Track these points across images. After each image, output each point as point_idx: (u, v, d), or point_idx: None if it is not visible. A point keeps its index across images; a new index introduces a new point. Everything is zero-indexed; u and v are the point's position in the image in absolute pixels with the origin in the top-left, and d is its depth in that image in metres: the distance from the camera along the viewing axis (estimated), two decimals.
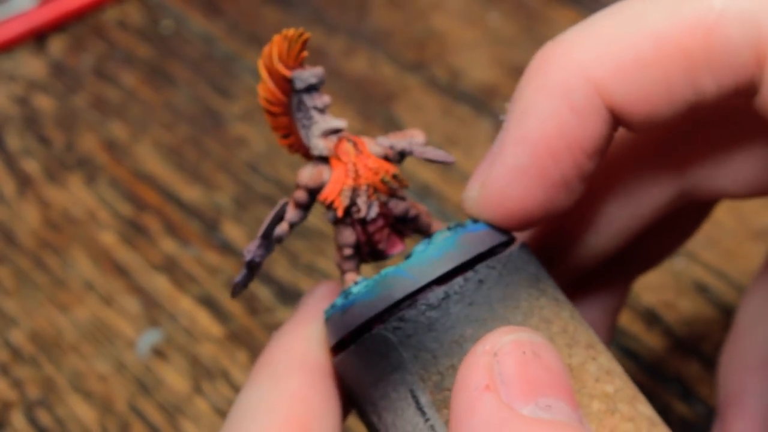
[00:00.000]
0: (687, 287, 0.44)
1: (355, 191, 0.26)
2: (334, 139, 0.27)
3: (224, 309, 0.46)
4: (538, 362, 0.23)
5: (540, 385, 0.23)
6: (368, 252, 0.28)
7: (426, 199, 0.49)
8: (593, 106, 0.26)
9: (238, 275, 0.27)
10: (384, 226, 0.27)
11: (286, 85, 0.26)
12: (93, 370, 0.44)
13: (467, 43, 0.56)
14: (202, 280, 0.47)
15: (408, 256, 0.26)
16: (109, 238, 0.49)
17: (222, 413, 0.43)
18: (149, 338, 0.45)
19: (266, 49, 0.26)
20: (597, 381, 0.25)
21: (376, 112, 0.53)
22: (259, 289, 0.46)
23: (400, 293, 0.25)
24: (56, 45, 0.59)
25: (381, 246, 0.27)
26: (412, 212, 0.27)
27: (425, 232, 0.28)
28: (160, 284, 0.47)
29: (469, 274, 0.25)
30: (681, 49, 0.25)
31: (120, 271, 0.48)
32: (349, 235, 0.27)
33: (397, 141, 0.27)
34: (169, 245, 0.49)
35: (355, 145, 0.27)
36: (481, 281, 0.25)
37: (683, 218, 0.33)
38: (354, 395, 0.27)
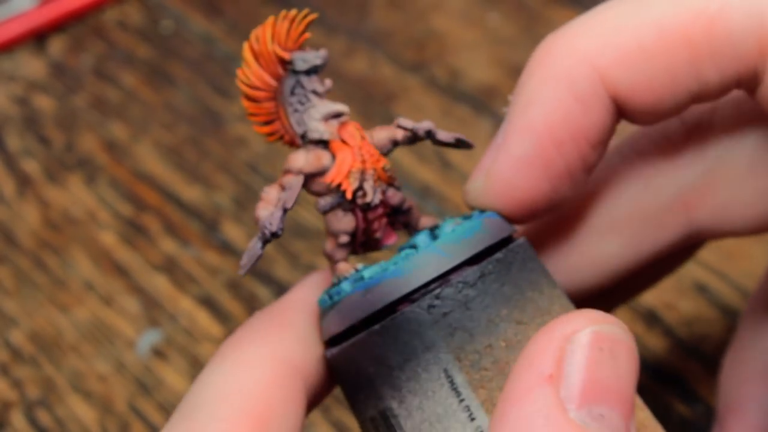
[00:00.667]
0: (687, 288, 0.44)
1: (363, 174, 0.26)
2: (335, 123, 0.26)
3: (224, 309, 0.46)
4: (610, 365, 0.22)
5: (602, 391, 0.22)
6: (363, 242, 0.27)
7: (426, 199, 0.49)
8: (597, 95, 0.26)
9: (252, 253, 0.26)
10: (383, 215, 0.27)
11: (277, 68, 0.26)
12: (93, 370, 0.44)
13: (467, 43, 0.56)
14: (202, 280, 0.47)
15: (411, 246, 0.26)
16: (109, 238, 0.49)
17: None
18: (149, 338, 0.45)
19: (257, 31, 0.25)
20: None
21: (376, 113, 0.53)
22: (259, 289, 0.46)
23: (435, 271, 0.25)
24: (56, 45, 0.59)
25: (378, 234, 0.27)
26: (407, 204, 0.27)
27: (414, 227, 0.27)
28: (160, 284, 0.47)
29: (499, 255, 0.25)
30: (684, 38, 0.25)
31: (120, 271, 0.48)
32: (348, 221, 0.26)
33: (419, 124, 0.27)
34: (169, 245, 0.49)
35: (358, 130, 0.26)
36: (510, 263, 0.25)
37: (682, 250, 0.33)
38: (364, 383, 0.25)
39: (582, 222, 0.30)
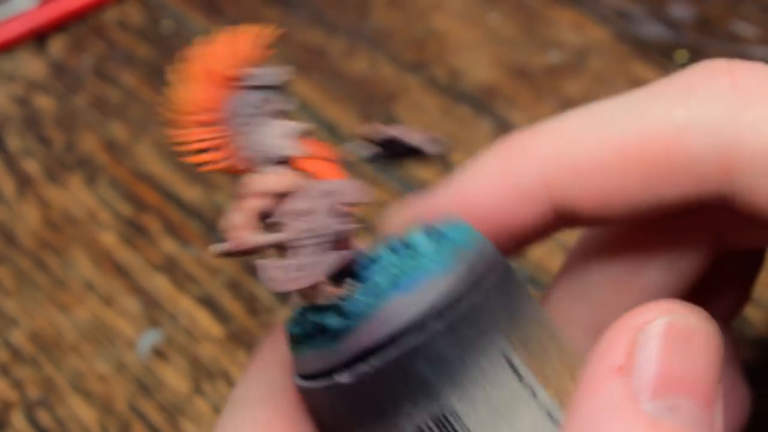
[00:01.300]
0: None
1: None
2: (299, 141, 0.25)
3: (224, 309, 0.46)
4: (685, 354, 0.21)
5: (677, 382, 0.21)
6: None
7: None
8: (538, 199, 0.27)
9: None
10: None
11: (227, 89, 0.24)
12: (93, 370, 0.44)
13: (467, 43, 0.56)
14: (202, 281, 0.47)
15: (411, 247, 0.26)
16: (109, 239, 0.49)
17: None
18: (149, 338, 0.45)
19: (205, 50, 0.24)
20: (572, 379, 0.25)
21: (376, 113, 0.53)
22: (259, 289, 0.46)
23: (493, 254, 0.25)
24: (56, 45, 0.59)
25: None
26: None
27: None
28: (160, 284, 0.47)
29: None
30: (641, 157, 0.25)
31: (120, 271, 0.48)
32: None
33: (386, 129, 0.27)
34: (169, 245, 0.49)
35: (321, 146, 0.25)
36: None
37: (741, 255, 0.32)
38: (401, 396, 0.23)
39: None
